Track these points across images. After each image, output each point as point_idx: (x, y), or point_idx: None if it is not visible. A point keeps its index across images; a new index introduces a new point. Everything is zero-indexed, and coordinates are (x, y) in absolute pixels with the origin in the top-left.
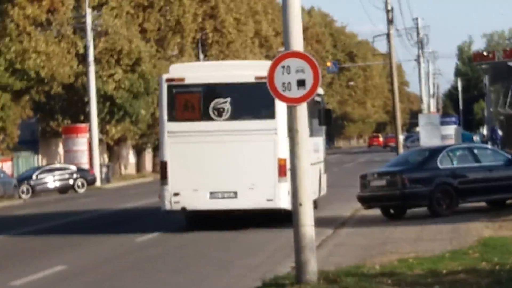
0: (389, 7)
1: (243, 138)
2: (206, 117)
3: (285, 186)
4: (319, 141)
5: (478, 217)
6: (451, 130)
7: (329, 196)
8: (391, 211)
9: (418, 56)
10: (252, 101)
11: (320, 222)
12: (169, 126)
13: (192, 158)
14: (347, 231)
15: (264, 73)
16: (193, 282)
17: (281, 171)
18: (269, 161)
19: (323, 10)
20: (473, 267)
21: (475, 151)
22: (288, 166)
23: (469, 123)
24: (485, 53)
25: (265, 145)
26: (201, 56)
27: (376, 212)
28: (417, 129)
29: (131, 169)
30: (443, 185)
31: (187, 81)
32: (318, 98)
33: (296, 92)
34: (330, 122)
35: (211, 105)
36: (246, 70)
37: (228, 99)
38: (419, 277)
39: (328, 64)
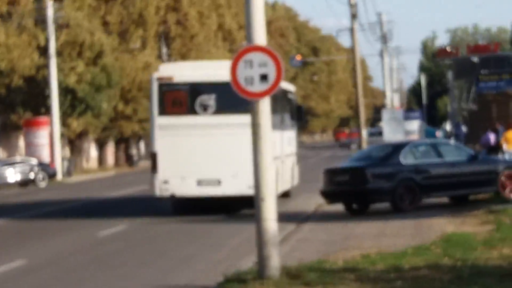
0: (353, 2)
1: (226, 131)
2: (192, 112)
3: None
4: (292, 135)
5: (441, 212)
6: (414, 125)
7: (293, 191)
8: (354, 206)
9: (382, 51)
10: (234, 98)
11: (283, 217)
12: (159, 120)
13: (180, 149)
14: (310, 226)
15: None
16: (156, 277)
17: None
18: (249, 152)
19: (287, 4)
20: (436, 263)
21: (438, 147)
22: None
23: (432, 119)
24: (448, 49)
25: (246, 137)
26: (164, 49)
27: (339, 207)
28: (381, 124)
29: (93, 162)
30: (406, 181)
31: (175, 80)
32: (290, 95)
33: (258, 87)
34: (301, 118)
35: (197, 101)
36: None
37: (213, 96)
38: (381, 273)
39: (299, 58)
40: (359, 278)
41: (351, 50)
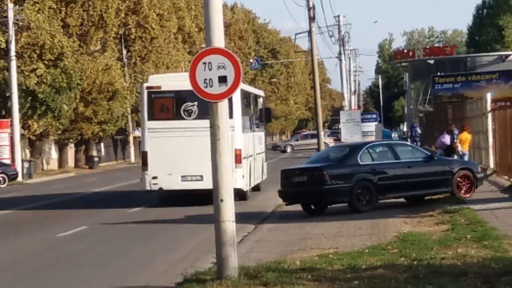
0: (311, 5)
1: (207, 133)
2: (178, 116)
3: (240, 171)
4: (262, 135)
5: (397, 213)
6: (371, 127)
7: (251, 192)
8: (312, 207)
9: (340, 54)
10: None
11: (242, 218)
12: (149, 124)
13: (167, 149)
14: (269, 227)
15: None
16: (115, 278)
17: (237, 159)
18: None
19: (246, 6)
20: (392, 263)
21: (395, 147)
22: (243, 155)
23: (389, 120)
24: (405, 51)
25: None
26: (124, 51)
27: (297, 207)
28: (340, 125)
29: (53, 164)
30: (363, 181)
31: (162, 88)
32: (260, 99)
33: (217, 89)
34: (270, 119)
35: (182, 107)
36: None
37: (196, 103)
38: (338, 273)
39: (251, 60)
40: (317, 278)
41: (309, 53)
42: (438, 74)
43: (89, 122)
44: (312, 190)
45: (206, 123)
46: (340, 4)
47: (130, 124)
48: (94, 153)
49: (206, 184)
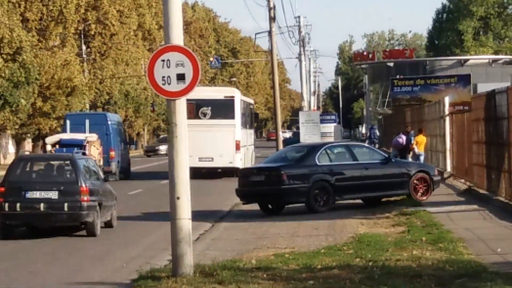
0: (272, 5)
1: (217, 129)
2: (197, 117)
3: (239, 155)
4: (252, 132)
5: (354, 214)
6: (330, 128)
7: (209, 191)
8: (269, 206)
9: (300, 54)
10: (222, 109)
11: (199, 216)
12: None
13: (190, 139)
14: (226, 226)
15: (229, 94)
16: (69, 274)
17: (237, 147)
18: (230, 141)
19: (207, 5)
20: (347, 263)
21: (353, 149)
22: (241, 144)
23: (348, 122)
24: (365, 53)
25: (229, 133)
26: (84, 47)
27: (255, 207)
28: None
29: (10, 159)
30: (320, 182)
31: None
32: (251, 106)
33: (175, 86)
34: (257, 122)
35: (200, 110)
36: (219, 92)
37: (210, 108)
38: (294, 272)
39: (211, 59)
40: (272, 277)
41: (270, 53)
42: (397, 77)
43: (47, 117)
44: (270, 190)
45: (215, 122)
46: (301, 5)
47: None
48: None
49: (215, 163)
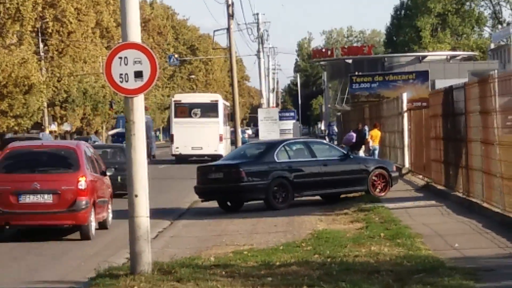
0: (230, 2)
1: (205, 125)
2: (190, 116)
3: (221, 145)
4: (228, 128)
5: (313, 210)
6: (289, 125)
7: (167, 188)
8: (228, 203)
9: (258, 51)
10: (209, 110)
11: (157, 214)
12: (175, 120)
13: (184, 133)
14: (184, 223)
15: (214, 98)
16: (27, 273)
17: (220, 139)
18: (215, 134)
19: (165, 2)
20: (306, 260)
21: (312, 145)
22: (223, 137)
23: (307, 119)
24: (324, 50)
25: (214, 128)
26: (41, 45)
27: (214, 204)
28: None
29: None
30: (279, 179)
31: (182, 101)
32: (228, 107)
33: (133, 84)
34: (231, 119)
35: (192, 111)
36: (206, 97)
37: (199, 109)
38: (252, 269)
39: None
40: (230, 274)
41: (228, 50)
42: (356, 73)
43: (4, 116)
44: (228, 187)
45: (204, 120)
46: (259, 2)
47: (47, 118)
48: None
49: (204, 151)
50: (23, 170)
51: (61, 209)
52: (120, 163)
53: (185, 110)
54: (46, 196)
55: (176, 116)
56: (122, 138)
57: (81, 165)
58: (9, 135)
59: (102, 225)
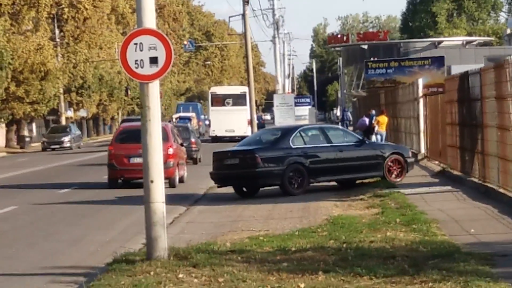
0: None
1: (237, 112)
2: (224, 104)
3: (249, 128)
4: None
5: (328, 196)
6: (305, 110)
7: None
8: (244, 189)
9: (274, 37)
10: (239, 99)
11: (173, 199)
12: (211, 108)
13: (219, 118)
14: (200, 209)
15: (243, 90)
16: (44, 259)
17: (248, 123)
18: (245, 119)
19: None
20: (321, 245)
21: (327, 131)
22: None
23: (323, 104)
24: (339, 36)
25: (243, 114)
26: (57, 31)
27: (230, 190)
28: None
29: None
30: (295, 165)
31: (217, 93)
32: (244, 94)
33: (148, 70)
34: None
35: (225, 100)
36: (237, 89)
37: (231, 99)
38: (268, 254)
39: (185, 42)
40: (246, 259)
41: (244, 36)
42: (372, 59)
43: (21, 102)
44: (244, 173)
45: (235, 108)
46: None
47: (63, 104)
48: (26, 133)
49: (235, 133)
50: (132, 141)
51: None
52: (186, 139)
53: (219, 100)
54: None
55: (212, 105)
56: (184, 120)
57: (169, 138)
58: (124, 118)
59: (181, 180)
